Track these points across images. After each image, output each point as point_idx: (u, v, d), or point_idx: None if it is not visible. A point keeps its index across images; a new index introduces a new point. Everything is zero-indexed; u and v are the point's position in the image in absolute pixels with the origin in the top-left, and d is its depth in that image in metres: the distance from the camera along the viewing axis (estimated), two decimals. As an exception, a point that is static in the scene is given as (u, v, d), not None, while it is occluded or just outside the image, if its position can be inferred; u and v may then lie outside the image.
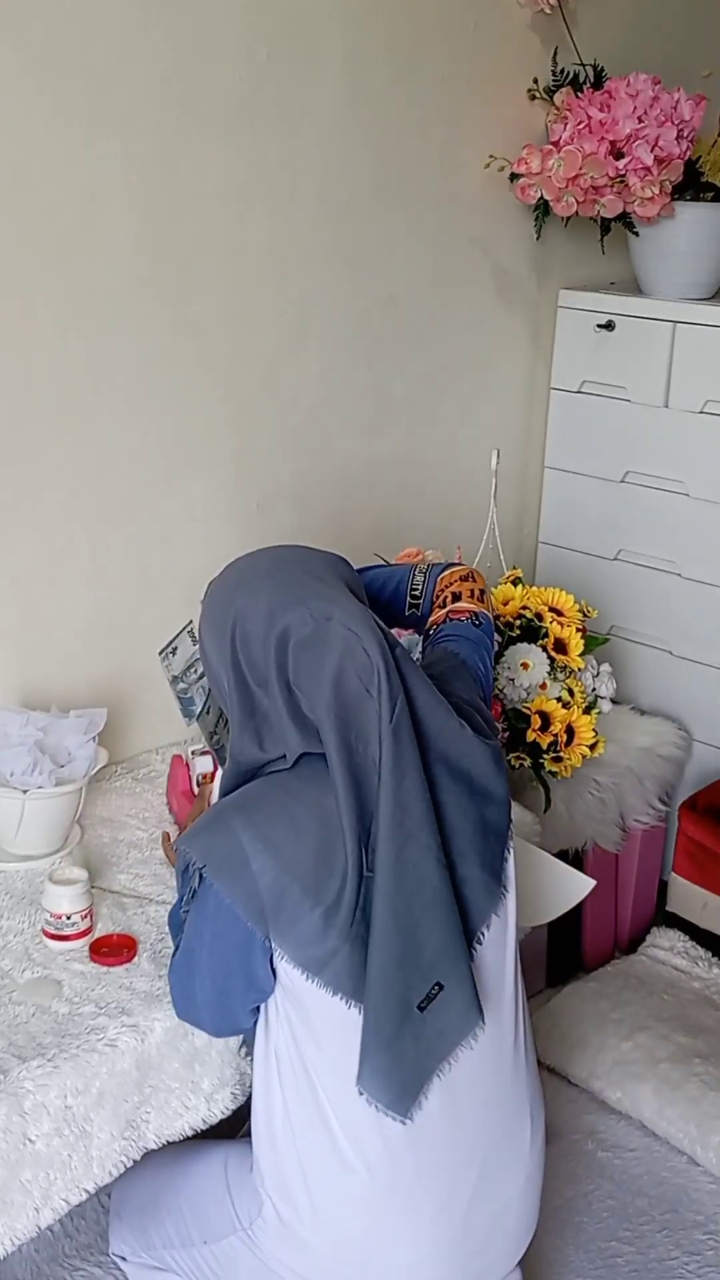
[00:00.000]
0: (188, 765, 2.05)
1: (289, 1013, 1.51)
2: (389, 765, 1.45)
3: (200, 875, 1.51)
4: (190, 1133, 1.67)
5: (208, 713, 1.87)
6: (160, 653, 1.89)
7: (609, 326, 2.68)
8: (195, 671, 1.91)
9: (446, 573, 1.84)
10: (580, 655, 2.27)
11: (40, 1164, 1.52)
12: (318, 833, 1.47)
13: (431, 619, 1.79)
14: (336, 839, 1.46)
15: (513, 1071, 1.59)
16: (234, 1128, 1.82)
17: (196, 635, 1.89)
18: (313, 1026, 1.49)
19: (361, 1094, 1.47)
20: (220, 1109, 1.69)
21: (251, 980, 1.51)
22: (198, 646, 1.85)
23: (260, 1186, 1.59)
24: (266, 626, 1.50)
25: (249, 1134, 1.77)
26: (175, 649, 1.93)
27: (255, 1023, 1.57)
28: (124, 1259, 1.81)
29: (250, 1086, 1.72)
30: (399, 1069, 1.47)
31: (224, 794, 1.58)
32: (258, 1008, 1.55)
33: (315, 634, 1.48)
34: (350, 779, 1.46)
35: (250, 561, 1.62)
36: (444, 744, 1.51)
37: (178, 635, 1.92)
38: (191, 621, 1.92)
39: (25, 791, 1.85)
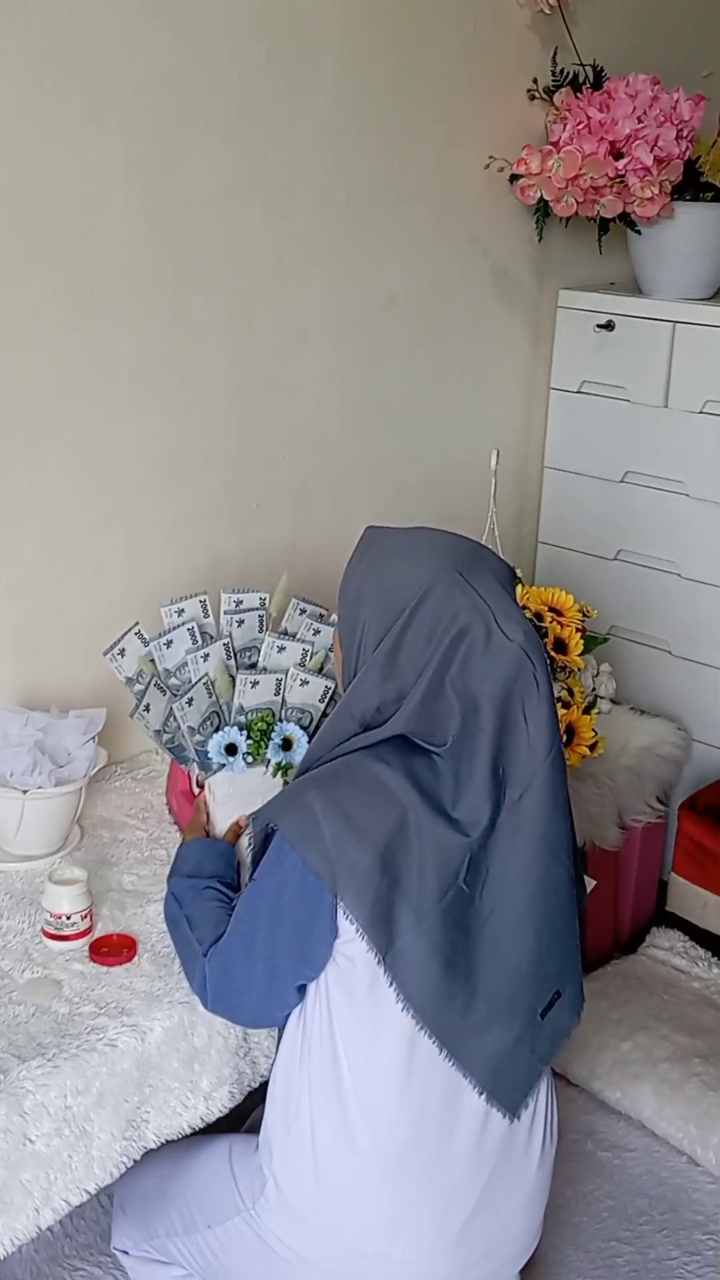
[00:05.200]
0: (187, 765, 2.05)
1: (333, 994, 1.52)
2: (544, 790, 1.50)
3: (267, 842, 1.53)
4: (189, 1130, 1.67)
5: (148, 710, 1.84)
6: (105, 653, 1.86)
7: (609, 326, 2.68)
8: (147, 674, 1.88)
9: None
10: (580, 655, 2.27)
11: (40, 1164, 1.52)
12: (396, 815, 1.48)
13: None
14: (420, 826, 1.48)
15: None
16: (235, 1126, 1.82)
17: (144, 636, 1.87)
18: (358, 1012, 1.50)
19: (481, 1094, 1.53)
20: (219, 1107, 1.69)
21: (306, 957, 1.51)
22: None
23: (266, 1164, 1.60)
24: (447, 620, 1.49)
25: (253, 1129, 1.78)
26: (124, 650, 1.89)
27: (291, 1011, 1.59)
28: (126, 1253, 1.81)
29: (248, 1085, 1.73)
30: (520, 1073, 1.56)
31: (319, 740, 1.59)
32: (302, 988, 1.56)
33: (496, 650, 1.48)
34: (485, 789, 1.49)
35: (447, 544, 1.58)
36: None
37: (124, 636, 1.87)
38: (137, 623, 1.89)
39: (25, 791, 1.85)
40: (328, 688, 1.85)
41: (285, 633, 1.90)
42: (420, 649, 1.49)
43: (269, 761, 1.83)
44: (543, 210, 2.53)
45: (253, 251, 2.20)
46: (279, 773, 1.85)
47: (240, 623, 1.90)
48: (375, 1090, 1.52)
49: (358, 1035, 1.51)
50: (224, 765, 1.82)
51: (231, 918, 1.59)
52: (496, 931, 1.51)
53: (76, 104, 1.91)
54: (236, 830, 1.86)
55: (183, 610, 1.90)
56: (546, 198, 2.46)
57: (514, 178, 2.49)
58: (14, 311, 1.93)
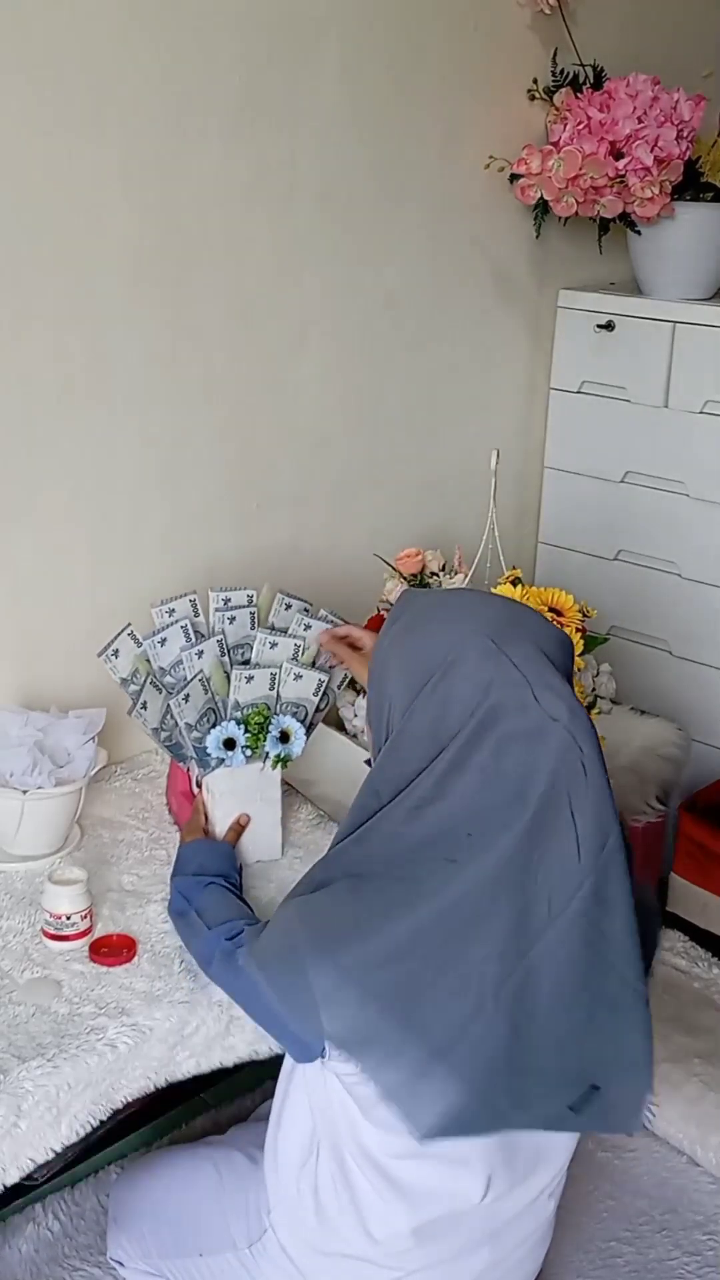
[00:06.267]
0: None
1: (336, 1090, 1.47)
2: (594, 894, 1.32)
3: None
4: (152, 1089, 1.64)
5: (145, 708, 1.84)
6: (100, 654, 1.87)
7: (609, 327, 2.68)
8: (142, 673, 1.88)
9: None
10: (580, 655, 2.27)
11: (17, 1142, 1.51)
12: (411, 968, 1.35)
13: None
14: (444, 970, 1.34)
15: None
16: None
17: (138, 637, 1.86)
18: (375, 1120, 1.45)
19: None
20: (182, 1073, 1.67)
21: (301, 1042, 1.45)
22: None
23: (264, 1214, 1.60)
24: (479, 695, 1.34)
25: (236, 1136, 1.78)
26: (117, 650, 1.89)
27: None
28: (121, 1264, 1.81)
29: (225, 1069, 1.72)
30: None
31: (350, 816, 1.46)
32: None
33: (534, 730, 1.32)
34: (518, 903, 1.33)
35: (484, 608, 1.44)
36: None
37: (117, 637, 1.88)
38: (130, 625, 1.89)
39: (25, 791, 1.85)
40: (320, 681, 1.86)
41: (274, 628, 1.91)
42: (445, 726, 1.35)
43: (267, 755, 1.84)
44: (542, 210, 2.53)
45: (253, 251, 2.20)
46: (277, 764, 1.86)
47: (231, 620, 1.91)
48: (387, 1188, 1.48)
49: (374, 1138, 1.47)
50: (223, 760, 1.82)
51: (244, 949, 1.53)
52: (540, 1026, 1.36)
53: (76, 105, 1.91)
54: (237, 829, 1.86)
55: (173, 610, 1.92)
56: (546, 198, 2.46)
57: (514, 178, 2.50)
58: (14, 311, 1.93)
